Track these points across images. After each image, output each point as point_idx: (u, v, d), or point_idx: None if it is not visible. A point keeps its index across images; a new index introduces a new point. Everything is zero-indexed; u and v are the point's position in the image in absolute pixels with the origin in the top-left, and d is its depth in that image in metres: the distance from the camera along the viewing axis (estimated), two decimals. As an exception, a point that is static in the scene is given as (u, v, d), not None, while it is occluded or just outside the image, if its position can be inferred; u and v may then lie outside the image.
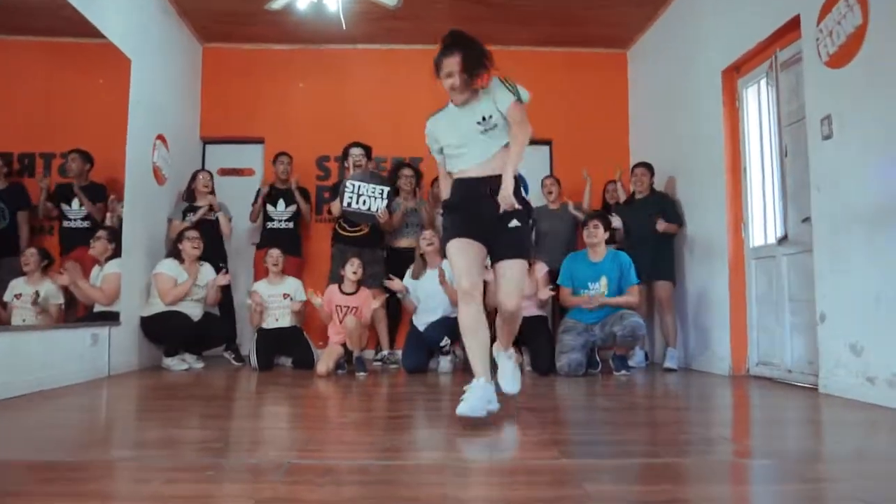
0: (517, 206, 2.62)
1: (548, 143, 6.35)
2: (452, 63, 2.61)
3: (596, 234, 4.56)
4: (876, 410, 2.91)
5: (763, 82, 4.19)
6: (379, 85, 6.27)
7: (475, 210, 2.66)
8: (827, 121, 3.39)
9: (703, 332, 4.73)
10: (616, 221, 4.98)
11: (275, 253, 5.04)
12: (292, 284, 5.09)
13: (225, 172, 6.31)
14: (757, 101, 4.29)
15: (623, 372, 4.46)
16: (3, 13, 3.81)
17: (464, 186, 2.71)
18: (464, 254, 2.63)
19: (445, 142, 2.76)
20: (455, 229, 2.70)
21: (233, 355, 5.31)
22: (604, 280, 4.51)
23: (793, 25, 3.72)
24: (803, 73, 3.63)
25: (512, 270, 2.64)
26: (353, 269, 4.68)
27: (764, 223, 4.21)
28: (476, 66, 2.62)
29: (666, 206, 5.00)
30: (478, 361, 2.57)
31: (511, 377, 2.86)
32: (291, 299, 5.03)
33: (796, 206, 3.81)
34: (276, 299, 5.02)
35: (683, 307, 5.02)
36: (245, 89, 6.23)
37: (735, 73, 4.44)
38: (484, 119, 2.65)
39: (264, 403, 3.37)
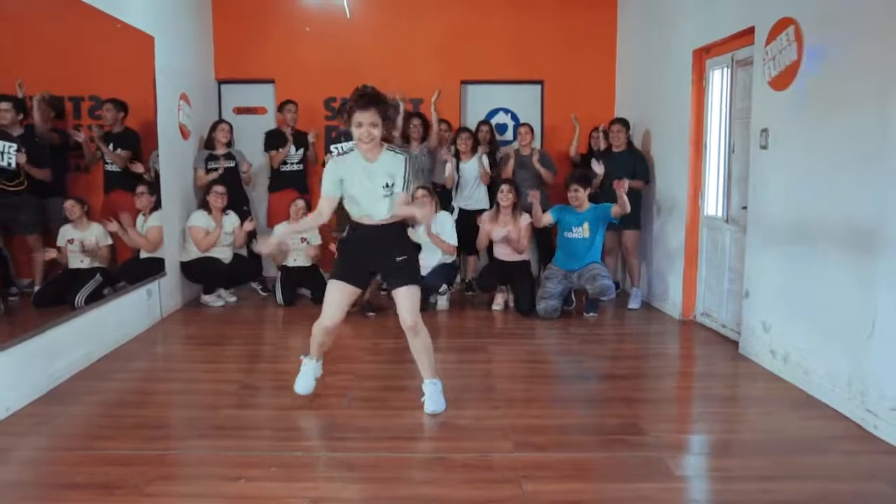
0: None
1: (539, 83, 6.78)
2: (372, 115, 3.02)
3: (577, 198, 5.23)
4: (772, 381, 3.76)
5: (725, 70, 4.65)
6: (383, 25, 6.62)
7: (366, 250, 3.25)
8: (765, 133, 3.94)
9: (662, 277, 5.51)
10: (599, 168, 5.56)
11: (299, 202, 5.74)
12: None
13: (240, 111, 6.85)
14: (720, 85, 4.75)
15: (591, 314, 5.30)
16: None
17: (361, 228, 3.26)
18: (337, 295, 3.24)
19: (352, 191, 3.16)
20: (339, 269, 3.29)
21: (260, 286, 6.20)
22: (586, 224, 5.22)
23: (749, 32, 4.15)
24: (752, 81, 4.11)
25: (404, 295, 3.23)
26: None
27: (717, 197, 4.83)
28: (390, 126, 3.18)
29: (637, 162, 5.59)
30: (315, 349, 3.41)
31: (432, 400, 3.29)
32: (308, 243, 5.80)
33: (738, 194, 4.44)
34: (295, 241, 5.79)
35: (648, 252, 5.77)
36: (254, 32, 6.60)
37: (705, 54, 4.87)
38: (387, 185, 3.14)
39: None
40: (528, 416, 3.32)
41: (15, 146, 4.39)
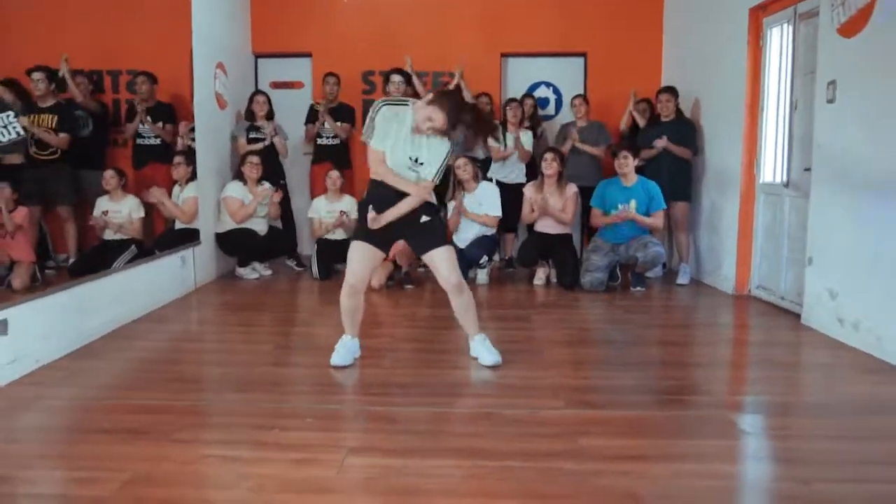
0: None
1: (582, 55, 6.55)
2: (440, 118, 2.91)
3: (627, 164, 5.00)
4: (838, 349, 3.50)
5: (786, 26, 4.38)
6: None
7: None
8: (832, 86, 3.68)
9: (714, 252, 5.24)
10: (662, 143, 5.35)
11: (334, 175, 5.61)
12: (348, 202, 5.70)
13: (276, 85, 6.75)
14: (779, 43, 4.49)
15: (638, 288, 5.06)
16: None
17: (381, 189, 3.06)
18: (359, 254, 3.08)
19: (389, 147, 3.02)
20: (360, 230, 3.13)
21: (294, 262, 6.07)
22: (633, 202, 4.99)
23: (814, -20, 3.89)
24: (818, 32, 3.85)
25: (440, 256, 3.07)
26: None
27: (774, 162, 4.56)
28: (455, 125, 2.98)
29: (687, 132, 5.34)
30: (348, 325, 3.21)
31: (488, 352, 3.18)
32: (347, 216, 5.65)
33: (800, 156, 4.17)
34: (333, 215, 5.66)
35: (697, 225, 5.51)
36: (292, 4, 6.50)
37: (761, 13, 4.61)
38: (415, 160, 3.02)
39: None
40: (578, 377, 3.12)
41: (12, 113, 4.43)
